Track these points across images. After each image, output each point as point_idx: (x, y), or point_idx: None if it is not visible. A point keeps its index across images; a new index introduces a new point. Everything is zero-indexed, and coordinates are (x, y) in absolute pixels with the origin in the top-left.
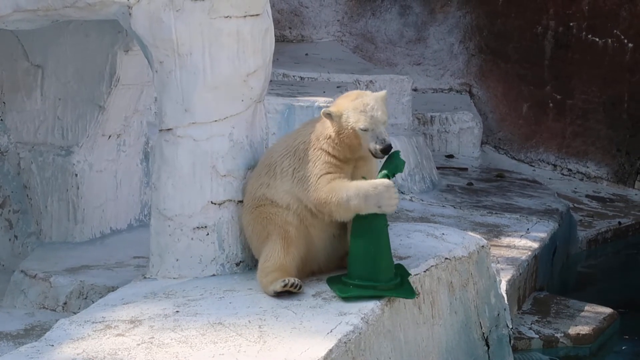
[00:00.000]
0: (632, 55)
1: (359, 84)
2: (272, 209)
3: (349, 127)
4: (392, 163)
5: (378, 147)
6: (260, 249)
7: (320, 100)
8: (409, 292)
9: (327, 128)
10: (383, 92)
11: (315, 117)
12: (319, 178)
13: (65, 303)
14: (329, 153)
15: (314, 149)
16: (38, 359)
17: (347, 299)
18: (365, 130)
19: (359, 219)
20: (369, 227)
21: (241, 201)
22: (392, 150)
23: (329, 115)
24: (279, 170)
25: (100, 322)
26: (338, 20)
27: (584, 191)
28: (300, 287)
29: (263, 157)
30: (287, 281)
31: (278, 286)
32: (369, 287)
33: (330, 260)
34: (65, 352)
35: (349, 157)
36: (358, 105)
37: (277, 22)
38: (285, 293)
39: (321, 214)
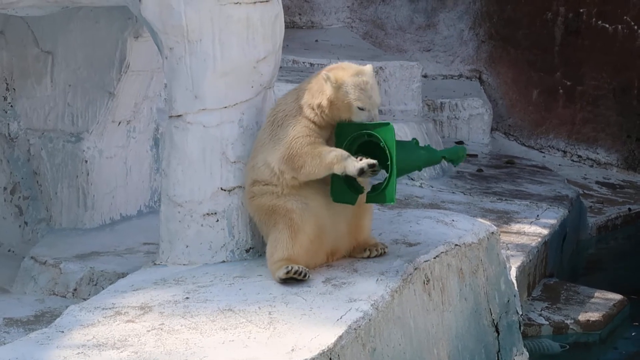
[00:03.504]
0: None
1: None
2: (268, 201)
3: (346, 101)
4: (455, 153)
5: None
6: (269, 235)
7: None
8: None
9: (316, 97)
10: (370, 67)
11: (296, 87)
12: (295, 138)
13: (75, 289)
14: (310, 120)
15: (296, 115)
16: (48, 345)
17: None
18: (362, 109)
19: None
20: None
21: None
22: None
23: (328, 80)
24: (259, 146)
25: (110, 308)
26: (348, 7)
27: (593, 177)
28: (305, 275)
29: None
30: (289, 268)
31: (282, 273)
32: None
33: (339, 241)
34: (75, 338)
35: (331, 125)
36: (359, 83)
37: (287, 9)
38: (292, 280)
39: (286, 173)
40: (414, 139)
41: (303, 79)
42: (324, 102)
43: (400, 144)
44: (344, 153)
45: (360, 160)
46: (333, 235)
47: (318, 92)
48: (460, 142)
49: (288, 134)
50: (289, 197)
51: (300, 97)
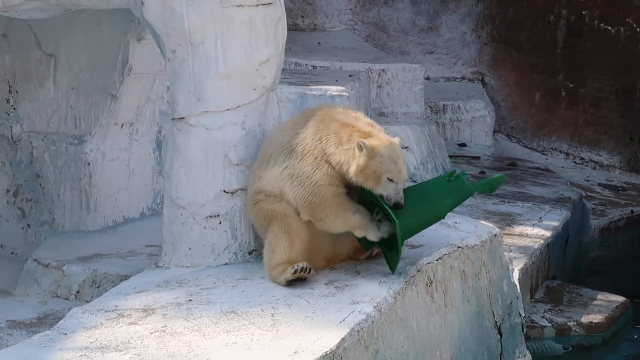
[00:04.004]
0: None
1: (372, 73)
2: (268, 205)
3: (377, 172)
4: (489, 184)
5: (393, 200)
6: (266, 239)
7: (333, 89)
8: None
9: (345, 158)
10: (398, 140)
11: (316, 121)
12: (319, 185)
13: (78, 292)
14: (334, 169)
15: (318, 157)
16: (51, 348)
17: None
18: (390, 180)
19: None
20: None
21: None
22: (497, 175)
23: (363, 148)
24: (272, 162)
25: (113, 310)
26: (350, 9)
27: (596, 179)
28: (310, 271)
29: (260, 150)
30: (296, 267)
31: (289, 274)
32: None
33: (338, 246)
34: (78, 341)
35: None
36: (392, 155)
37: (289, 11)
38: (297, 281)
39: (302, 214)
40: (452, 171)
41: (305, 81)
42: (352, 169)
43: (430, 187)
44: (367, 217)
45: (380, 222)
46: (330, 240)
47: (350, 158)
48: (463, 145)
49: (310, 177)
50: (286, 203)
51: (325, 140)
